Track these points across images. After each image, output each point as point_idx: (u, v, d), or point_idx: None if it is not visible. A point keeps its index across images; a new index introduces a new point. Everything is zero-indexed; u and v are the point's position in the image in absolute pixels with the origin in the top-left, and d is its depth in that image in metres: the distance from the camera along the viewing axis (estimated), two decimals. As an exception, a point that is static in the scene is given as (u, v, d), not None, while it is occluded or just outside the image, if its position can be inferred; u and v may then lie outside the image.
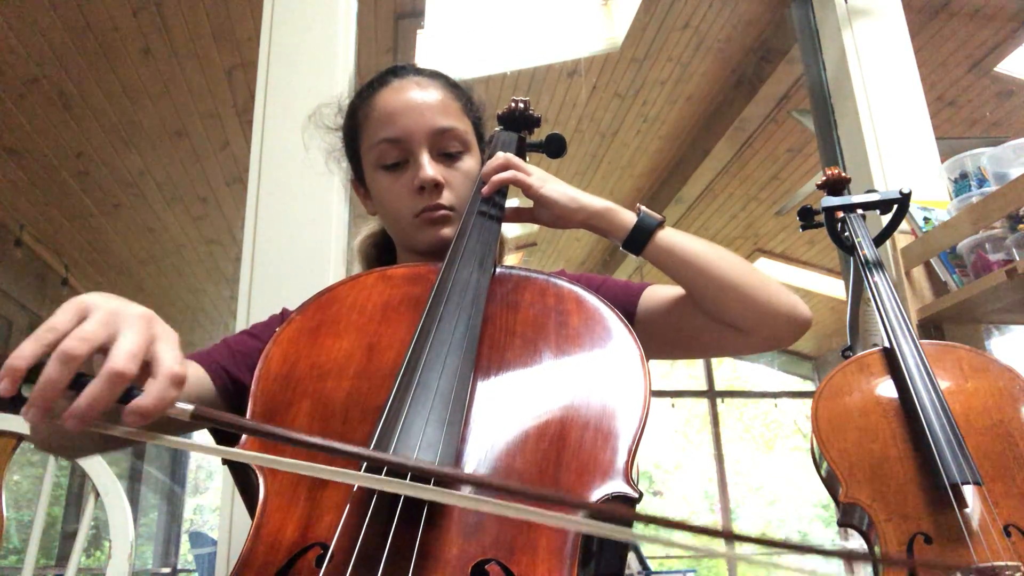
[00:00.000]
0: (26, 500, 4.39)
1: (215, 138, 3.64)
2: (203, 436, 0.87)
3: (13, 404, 0.46)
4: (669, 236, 0.87)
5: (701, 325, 0.89)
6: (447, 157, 0.94)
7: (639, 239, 0.87)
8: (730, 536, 0.47)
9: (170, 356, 0.49)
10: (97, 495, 1.23)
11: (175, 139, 3.63)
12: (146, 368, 0.49)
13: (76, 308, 0.49)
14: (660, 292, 0.94)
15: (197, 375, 0.81)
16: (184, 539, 6.93)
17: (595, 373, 0.70)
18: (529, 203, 0.93)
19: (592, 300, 0.78)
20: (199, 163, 3.83)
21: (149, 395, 0.47)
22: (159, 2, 2.88)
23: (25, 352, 0.46)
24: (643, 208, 0.88)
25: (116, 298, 0.52)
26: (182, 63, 3.18)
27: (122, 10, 2.89)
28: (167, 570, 6.43)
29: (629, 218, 0.88)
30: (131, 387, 0.48)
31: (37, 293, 4.42)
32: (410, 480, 0.53)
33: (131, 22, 2.95)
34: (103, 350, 0.48)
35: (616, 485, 0.59)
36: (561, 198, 0.88)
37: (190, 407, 0.48)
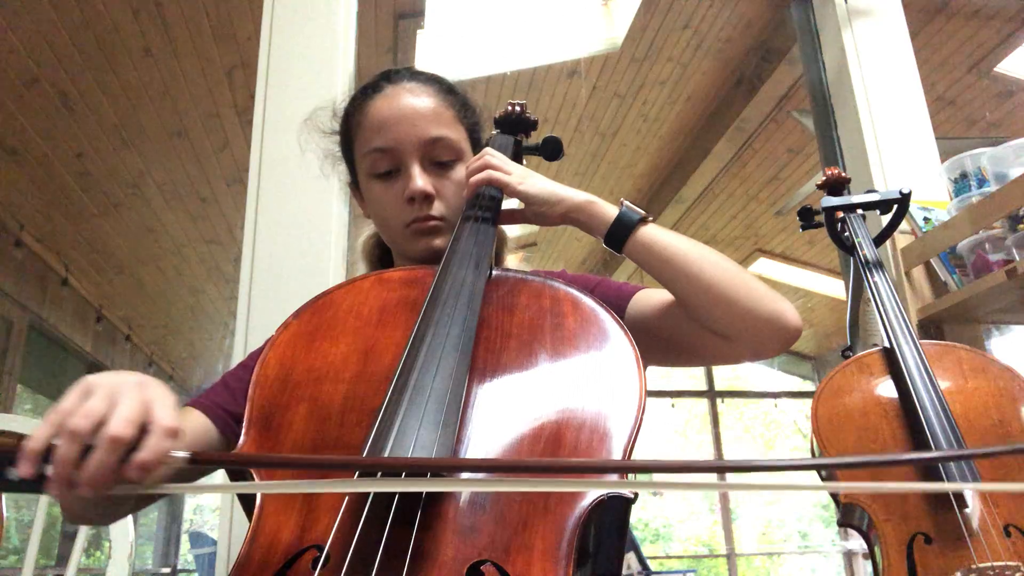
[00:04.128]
0: (26, 500, 4.39)
1: (215, 138, 3.64)
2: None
3: (38, 484, 0.52)
4: (651, 232, 0.85)
5: (687, 330, 0.86)
6: (439, 166, 0.94)
7: (619, 234, 0.84)
8: (723, 468, 0.49)
9: (165, 414, 0.55)
10: (96, 495, 1.23)
11: (175, 139, 3.63)
12: (146, 430, 0.54)
13: (81, 389, 0.56)
14: (651, 295, 0.92)
15: (200, 422, 0.82)
16: (184, 539, 6.93)
17: (590, 374, 0.70)
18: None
19: (588, 302, 0.77)
20: (199, 163, 3.83)
21: (147, 449, 0.53)
22: (159, 2, 2.88)
23: (39, 435, 0.52)
24: (626, 203, 0.86)
25: (120, 374, 0.58)
26: (182, 63, 3.18)
27: (122, 10, 2.89)
28: (167, 570, 6.43)
29: (611, 212, 0.86)
30: (134, 449, 0.53)
31: (37, 293, 4.42)
32: (405, 478, 0.53)
33: (131, 22, 2.95)
34: (106, 422, 0.53)
35: (611, 486, 0.59)
36: (541, 193, 0.88)
37: (186, 453, 0.53)
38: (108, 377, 0.57)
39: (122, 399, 0.54)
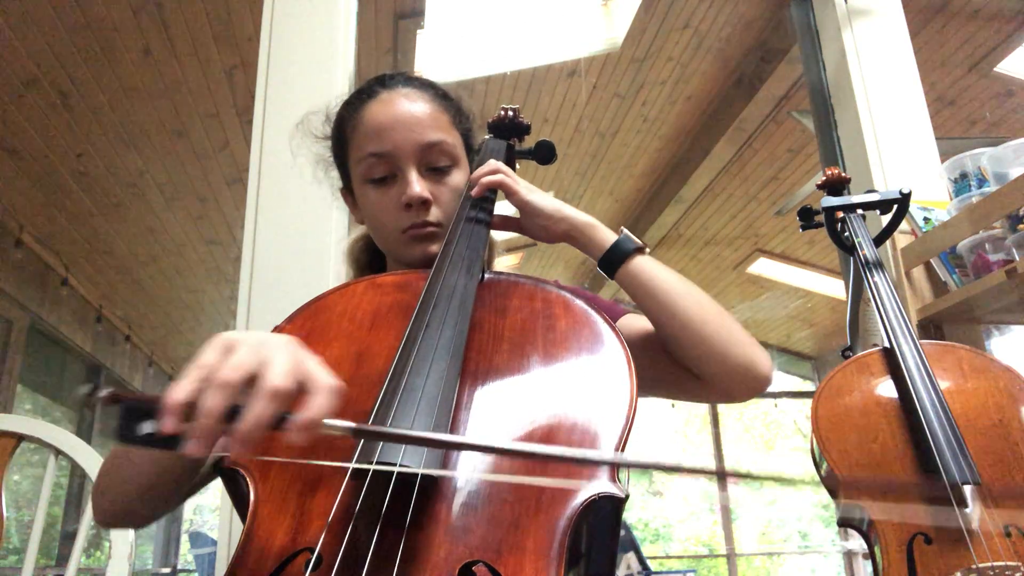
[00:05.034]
0: (26, 500, 4.39)
1: (215, 138, 3.64)
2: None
3: (173, 441, 0.49)
4: (643, 263, 0.86)
5: (662, 363, 0.88)
6: (436, 172, 0.93)
7: (614, 260, 0.86)
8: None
9: (322, 371, 0.53)
10: (95, 496, 1.23)
11: (175, 139, 3.63)
12: (304, 389, 0.52)
13: (222, 344, 0.53)
14: (636, 322, 0.92)
15: None
16: (184, 539, 6.94)
17: (581, 376, 0.70)
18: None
19: (579, 304, 0.78)
20: (199, 163, 3.83)
21: (312, 408, 0.50)
22: (159, 2, 2.88)
23: (183, 388, 0.49)
24: (626, 231, 0.88)
25: (256, 332, 0.56)
26: (182, 63, 3.17)
27: (122, 10, 2.89)
28: (167, 570, 6.43)
29: (609, 237, 0.88)
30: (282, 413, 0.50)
31: (37, 293, 4.42)
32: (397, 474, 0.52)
33: (131, 22, 2.95)
34: (254, 378, 0.50)
35: (602, 485, 0.60)
36: (547, 207, 0.89)
37: (351, 424, 0.51)
38: (250, 333, 0.55)
39: (274, 354, 0.52)
